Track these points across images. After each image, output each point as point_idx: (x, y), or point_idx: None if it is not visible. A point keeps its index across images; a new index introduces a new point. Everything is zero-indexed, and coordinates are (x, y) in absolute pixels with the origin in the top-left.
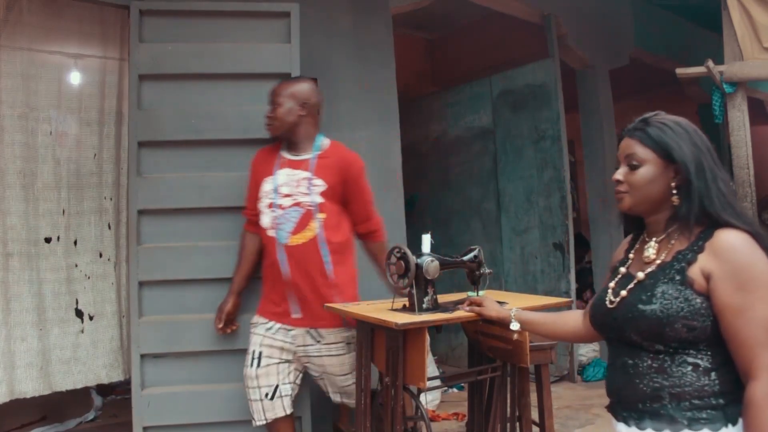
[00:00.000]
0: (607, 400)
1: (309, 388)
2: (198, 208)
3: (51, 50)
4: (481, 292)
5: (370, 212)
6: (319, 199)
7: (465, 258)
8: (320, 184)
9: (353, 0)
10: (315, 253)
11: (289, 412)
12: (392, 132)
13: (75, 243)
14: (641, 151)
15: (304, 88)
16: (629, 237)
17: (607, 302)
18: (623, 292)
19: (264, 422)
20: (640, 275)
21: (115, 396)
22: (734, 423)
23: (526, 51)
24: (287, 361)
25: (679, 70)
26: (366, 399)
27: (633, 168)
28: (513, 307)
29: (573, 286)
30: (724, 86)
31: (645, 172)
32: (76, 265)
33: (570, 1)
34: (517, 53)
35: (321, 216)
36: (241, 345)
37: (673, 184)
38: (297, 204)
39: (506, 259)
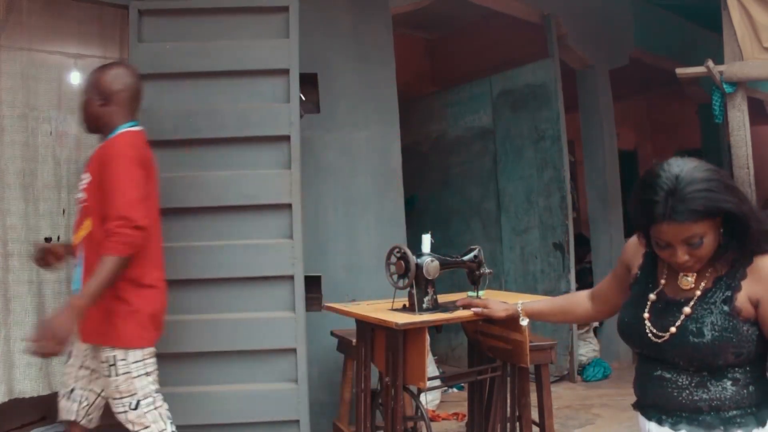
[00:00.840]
0: (608, 401)
1: (307, 391)
2: (196, 207)
3: (51, 50)
4: (480, 292)
5: (110, 211)
6: (83, 195)
7: (465, 258)
8: (86, 178)
9: (353, 0)
10: None
11: (81, 420)
12: (392, 132)
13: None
14: (699, 228)
15: (105, 76)
16: (636, 240)
17: (649, 335)
18: (672, 329)
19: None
20: (687, 310)
21: None
22: (763, 425)
23: (526, 51)
24: (90, 369)
25: (679, 70)
26: (366, 399)
27: (695, 245)
28: (518, 301)
29: (573, 286)
30: (724, 86)
31: (708, 241)
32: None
33: (569, 1)
34: (517, 53)
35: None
36: (241, 347)
37: (721, 231)
38: (77, 201)
39: (506, 259)
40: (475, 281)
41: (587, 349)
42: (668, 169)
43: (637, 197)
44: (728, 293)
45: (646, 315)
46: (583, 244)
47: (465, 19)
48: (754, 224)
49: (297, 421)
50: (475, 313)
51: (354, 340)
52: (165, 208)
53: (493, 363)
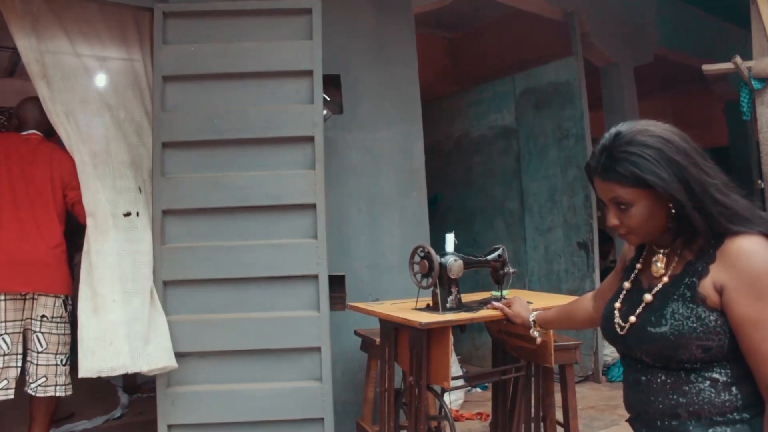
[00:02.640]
0: None
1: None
2: (221, 207)
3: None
4: (505, 292)
5: None
6: None
7: (489, 257)
8: None
9: (375, 0)
10: None
11: None
12: (415, 131)
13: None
14: (625, 193)
15: None
16: None
17: (617, 327)
18: (632, 318)
19: None
20: (648, 297)
21: (141, 394)
22: None
23: (549, 49)
24: None
25: (706, 67)
26: (389, 398)
27: (624, 209)
28: (536, 308)
29: (597, 285)
30: (753, 82)
31: (638, 211)
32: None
33: None
34: (540, 51)
35: None
36: (265, 345)
37: (671, 206)
38: None
39: (530, 258)
40: (498, 281)
41: (612, 349)
42: (619, 126)
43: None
44: (694, 279)
45: (617, 305)
46: (606, 242)
47: (487, 17)
48: (705, 197)
49: (321, 419)
50: (496, 308)
51: (377, 340)
52: (191, 208)
53: (517, 363)
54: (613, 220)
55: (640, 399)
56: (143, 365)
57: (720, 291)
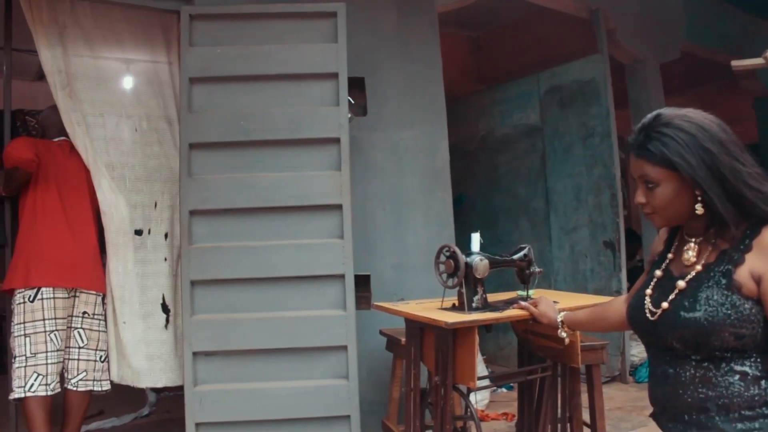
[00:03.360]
0: None
1: (357, 388)
2: (247, 208)
3: (106, 56)
4: (530, 291)
5: None
6: None
7: (515, 257)
8: None
9: (398, 1)
10: None
11: None
12: (439, 131)
13: (165, 236)
14: (652, 171)
15: None
16: (664, 233)
17: (647, 313)
18: (665, 304)
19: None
20: (681, 284)
21: (168, 393)
22: None
23: (573, 47)
24: None
25: (735, 62)
26: (415, 398)
27: (651, 188)
28: (562, 310)
29: (624, 284)
30: None
31: (663, 192)
32: (165, 259)
33: None
34: (564, 49)
35: None
36: (292, 344)
37: (697, 193)
38: None
39: (555, 258)
40: (524, 280)
41: (639, 349)
42: (662, 110)
43: None
44: (729, 266)
45: (648, 291)
46: (633, 240)
47: (511, 15)
48: (738, 184)
49: (348, 417)
50: (522, 307)
51: (403, 339)
52: (217, 208)
53: (543, 363)
54: (640, 197)
55: (667, 392)
56: (147, 382)
57: (758, 281)
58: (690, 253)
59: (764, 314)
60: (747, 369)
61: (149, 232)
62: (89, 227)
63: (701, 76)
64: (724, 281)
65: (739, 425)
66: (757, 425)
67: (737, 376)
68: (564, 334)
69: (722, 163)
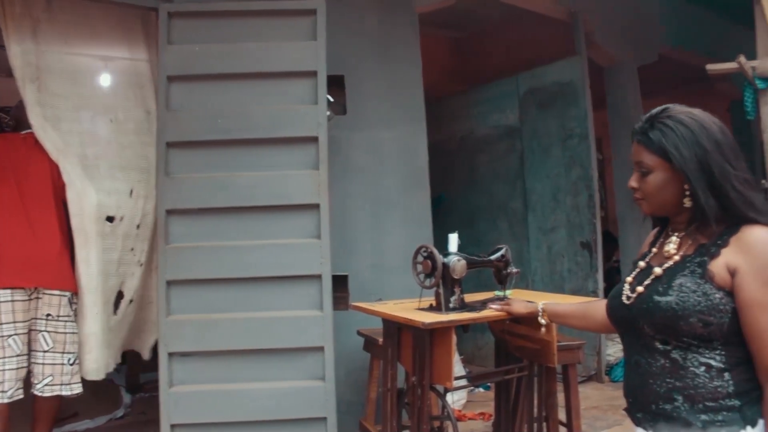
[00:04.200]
0: None
1: (334, 389)
2: (225, 207)
3: (81, 53)
4: (508, 292)
5: None
6: None
7: (492, 257)
8: None
9: (379, 0)
10: None
11: None
12: (419, 131)
13: (138, 227)
14: (648, 158)
15: None
16: (655, 230)
17: (624, 298)
18: (640, 288)
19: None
20: (658, 270)
21: (144, 394)
22: (753, 425)
23: (553, 49)
24: None
25: (710, 66)
26: (392, 398)
27: (644, 174)
28: (541, 301)
29: (601, 285)
30: (757, 82)
31: (654, 179)
32: (132, 249)
33: None
34: (544, 51)
35: None
36: (268, 344)
37: (685, 187)
38: None
39: (533, 258)
40: (501, 280)
41: (615, 349)
42: (670, 105)
43: None
44: (705, 258)
45: (629, 279)
46: (610, 242)
47: (491, 17)
48: (726, 183)
49: (324, 419)
50: (496, 311)
51: (380, 340)
52: (195, 208)
53: (520, 363)
54: (632, 182)
55: (638, 382)
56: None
57: (732, 273)
58: (671, 246)
59: (733, 305)
60: (712, 361)
61: (121, 220)
62: (52, 222)
63: (678, 79)
64: (698, 271)
65: (703, 416)
66: (720, 417)
67: (703, 368)
68: (543, 321)
69: (713, 162)
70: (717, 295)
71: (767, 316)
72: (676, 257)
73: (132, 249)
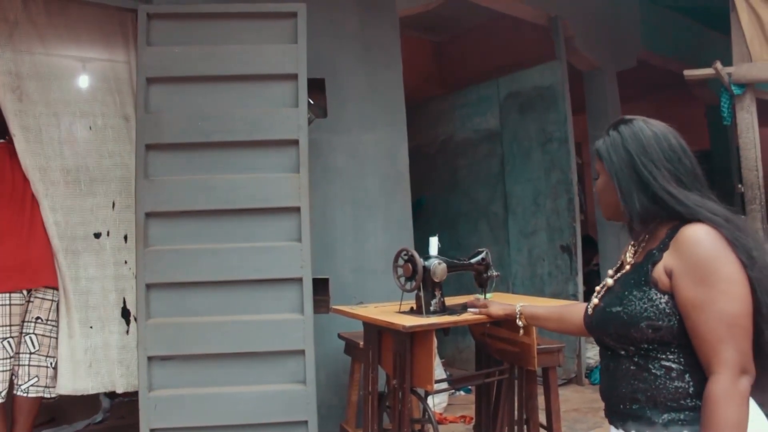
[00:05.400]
0: None
1: (315, 392)
2: (205, 210)
3: (60, 54)
4: (488, 295)
5: None
6: None
7: (472, 260)
8: None
9: (360, 2)
10: None
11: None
12: (399, 134)
13: (125, 239)
14: (597, 163)
15: None
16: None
17: (589, 309)
18: (595, 300)
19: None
20: (610, 282)
21: (123, 398)
22: None
23: (534, 53)
24: None
25: (687, 72)
26: (373, 401)
27: (595, 179)
28: (518, 303)
29: (581, 288)
30: (733, 88)
31: (600, 182)
32: (125, 262)
33: (577, 3)
34: (524, 55)
35: None
36: (249, 348)
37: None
38: None
39: (513, 261)
40: (482, 284)
41: (595, 351)
42: (630, 116)
43: None
44: (649, 265)
45: (597, 289)
46: (590, 246)
47: (472, 21)
48: (653, 183)
49: (305, 422)
50: (475, 314)
51: (361, 343)
52: (174, 210)
53: (500, 366)
54: (594, 187)
55: (608, 385)
56: (119, 387)
57: (670, 275)
58: (627, 255)
59: (678, 307)
60: (672, 364)
61: (108, 234)
62: (40, 225)
63: (657, 84)
64: (643, 279)
65: (665, 416)
66: (682, 416)
67: (663, 371)
68: (521, 323)
69: (638, 164)
70: (662, 300)
71: (701, 314)
72: (627, 267)
73: (126, 262)
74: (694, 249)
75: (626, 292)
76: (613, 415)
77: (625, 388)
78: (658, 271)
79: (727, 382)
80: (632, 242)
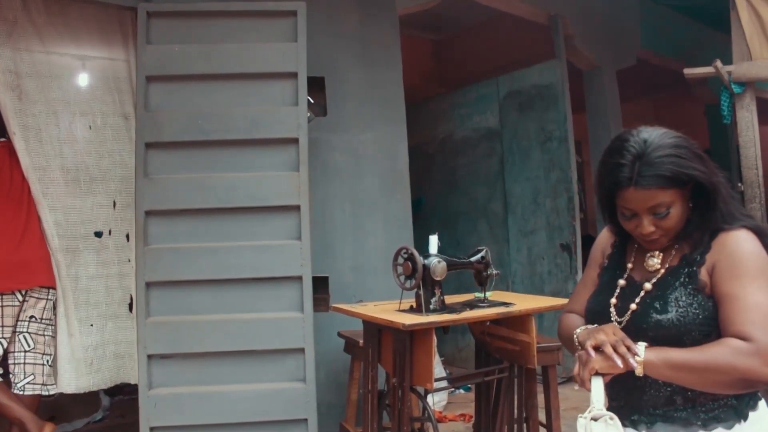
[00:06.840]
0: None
1: (315, 391)
2: (205, 209)
3: (60, 52)
4: (488, 294)
5: None
6: None
7: (472, 259)
8: None
9: (360, 1)
10: None
11: None
12: (399, 133)
13: (127, 237)
14: (665, 196)
15: None
16: (610, 240)
17: (613, 318)
18: (633, 306)
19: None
20: (648, 286)
21: (123, 396)
22: (745, 419)
23: (533, 52)
24: None
25: (687, 71)
26: (373, 400)
27: (663, 214)
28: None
29: None
30: (733, 86)
31: (676, 212)
32: (129, 260)
33: (576, 2)
34: (524, 54)
35: None
36: (249, 346)
37: (690, 205)
38: None
39: (513, 260)
40: (482, 282)
41: None
42: (637, 134)
43: (604, 162)
44: (693, 268)
45: (613, 301)
46: (589, 244)
47: (472, 20)
48: (722, 198)
49: (305, 420)
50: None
51: (361, 341)
52: (174, 209)
53: (500, 364)
54: (648, 227)
55: (633, 388)
56: (131, 378)
57: (711, 272)
58: (655, 260)
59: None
60: None
61: (110, 233)
62: (35, 224)
63: (656, 83)
64: (689, 283)
65: (702, 415)
66: (717, 413)
67: None
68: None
69: (711, 169)
70: (710, 304)
71: (740, 302)
72: (662, 270)
73: (129, 260)
74: (737, 247)
75: (674, 297)
76: (635, 416)
77: (659, 392)
78: (704, 275)
79: (753, 349)
80: (652, 251)
